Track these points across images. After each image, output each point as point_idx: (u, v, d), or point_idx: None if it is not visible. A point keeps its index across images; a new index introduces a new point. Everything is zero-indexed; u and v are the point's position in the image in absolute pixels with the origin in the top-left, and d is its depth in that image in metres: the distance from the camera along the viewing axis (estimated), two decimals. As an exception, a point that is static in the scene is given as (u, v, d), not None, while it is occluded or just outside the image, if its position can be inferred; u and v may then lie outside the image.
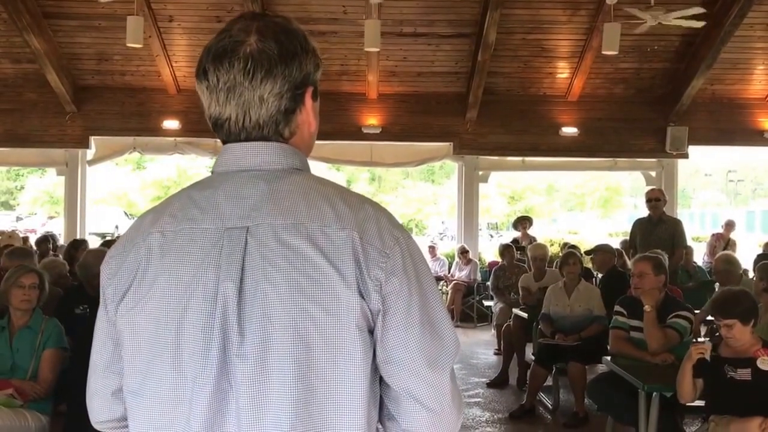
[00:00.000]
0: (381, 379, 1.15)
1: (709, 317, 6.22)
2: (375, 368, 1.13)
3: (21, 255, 5.93)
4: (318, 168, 11.22)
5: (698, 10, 8.28)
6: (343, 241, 1.10)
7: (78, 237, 10.10)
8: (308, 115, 1.22)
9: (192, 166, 27.07)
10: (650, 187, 9.30)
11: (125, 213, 27.48)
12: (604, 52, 9.27)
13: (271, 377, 1.06)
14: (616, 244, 9.46)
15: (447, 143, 11.09)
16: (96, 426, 1.29)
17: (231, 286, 1.08)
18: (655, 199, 7.55)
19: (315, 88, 1.24)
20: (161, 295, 1.12)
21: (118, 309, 1.16)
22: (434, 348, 1.14)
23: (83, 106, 10.82)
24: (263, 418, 1.06)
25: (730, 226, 11.23)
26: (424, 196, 31.71)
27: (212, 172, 1.22)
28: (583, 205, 33.83)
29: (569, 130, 11.01)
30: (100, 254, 5.27)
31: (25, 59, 10.27)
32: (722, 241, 10.73)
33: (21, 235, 9.83)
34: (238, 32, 1.17)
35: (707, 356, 3.65)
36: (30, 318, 4.10)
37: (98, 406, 1.26)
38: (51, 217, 26.60)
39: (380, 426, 1.20)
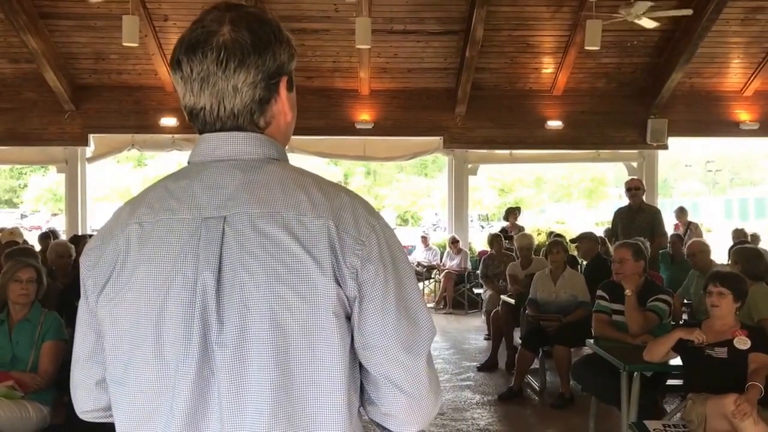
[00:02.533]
0: (360, 364, 1.16)
1: (687, 300, 6.59)
2: (354, 354, 1.14)
3: (21, 255, 6.03)
4: (316, 163, 11.48)
5: (686, 10, 8.55)
6: (319, 229, 1.10)
7: (79, 233, 10.33)
8: (283, 105, 1.22)
9: (192, 162, 27.21)
10: (629, 177, 9.63)
11: (127, 209, 27.60)
12: (586, 48, 9.51)
13: (250, 364, 1.07)
14: (600, 232, 9.74)
15: (437, 137, 11.36)
16: (81, 416, 1.30)
17: (209, 276, 1.09)
18: (634, 188, 7.82)
19: (290, 78, 1.23)
20: (141, 284, 1.12)
21: (98, 299, 1.16)
22: (410, 333, 1.14)
23: (81, 105, 10.99)
24: (244, 405, 1.07)
25: (682, 212, 11.42)
26: (418, 189, 32.16)
27: (189, 163, 1.22)
28: (570, 196, 34.23)
29: (554, 124, 11.31)
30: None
31: (23, 59, 10.40)
32: (683, 228, 10.98)
33: (26, 232, 9.87)
34: (210, 22, 1.17)
35: (696, 342, 3.77)
36: (29, 311, 4.11)
37: (82, 396, 1.26)
38: (54, 215, 26.66)
39: (362, 410, 1.21)
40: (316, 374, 1.09)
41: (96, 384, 1.24)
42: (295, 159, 13.68)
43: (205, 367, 1.08)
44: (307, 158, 11.93)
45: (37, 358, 4.01)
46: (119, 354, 1.14)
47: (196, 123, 1.21)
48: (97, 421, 1.30)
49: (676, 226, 11.13)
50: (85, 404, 1.27)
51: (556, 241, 6.99)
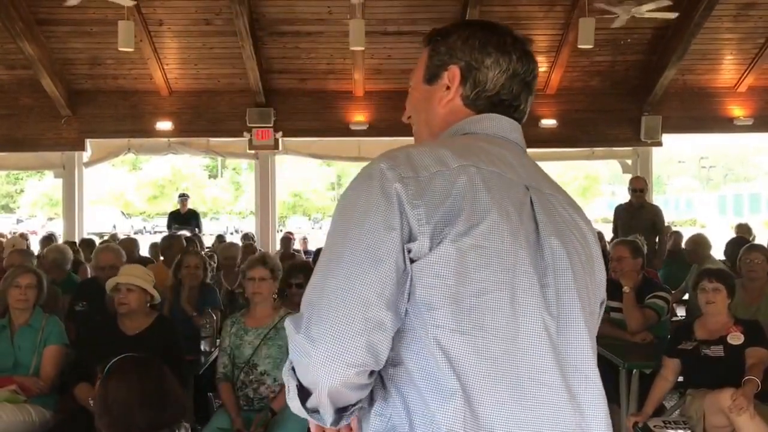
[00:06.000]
0: None
1: (685, 297, 6.64)
2: None
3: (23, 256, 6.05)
4: (310, 164, 11.53)
5: (667, 2, 8.66)
6: (585, 218, 1.31)
7: (76, 237, 10.36)
8: None
9: (186, 165, 27.30)
10: (634, 176, 9.63)
11: (122, 213, 27.61)
12: (580, 46, 9.59)
13: (573, 321, 1.18)
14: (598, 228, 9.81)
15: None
16: (340, 375, 1.08)
17: (556, 242, 1.19)
18: (639, 190, 7.90)
19: None
20: (498, 229, 1.12)
21: (435, 233, 1.10)
22: None
23: (78, 110, 11.03)
24: (582, 341, 1.18)
25: None
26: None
27: (476, 133, 1.30)
28: (565, 194, 34.43)
29: (548, 122, 11.36)
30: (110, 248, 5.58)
31: (19, 65, 10.44)
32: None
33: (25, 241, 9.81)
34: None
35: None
36: (30, 316, 4.14)
37: (355, 344, 1.06)
38: (50, 219, 26.72)
39: None
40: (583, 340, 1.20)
41: (376, 328, 1.08)
42: (289, 160, 13.76)
43: (546, 313, 1.15)
44: (301, 159, 11.97)
45: (39, 363, 4.05)
46: (464, 298, 1.09)
47: (499, 108, 1.33)
48: (354, 381, 1.10)
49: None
50: (356, 356, 1.07)
51: None
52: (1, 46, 10.22)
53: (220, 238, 10.84)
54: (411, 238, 1.10)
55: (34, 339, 4.10)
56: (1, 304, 4.32)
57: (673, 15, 9.10)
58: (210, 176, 34.58)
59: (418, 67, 1.42)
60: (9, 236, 11.01)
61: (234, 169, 33.99)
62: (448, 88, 1.34)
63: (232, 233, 23.70)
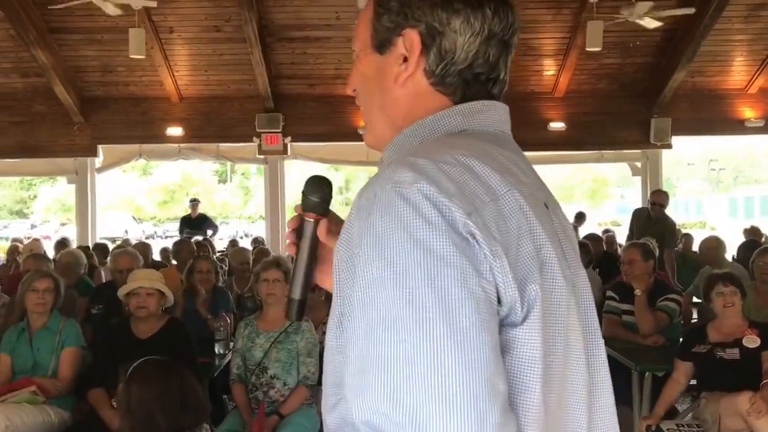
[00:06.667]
0: None
1: (696, 299, 6.62)
2: None
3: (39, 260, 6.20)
4: (318, 168, 11.59)
5: (688, 9, 8.63)
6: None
7: (89, 241, 10.45)
8: None
9: (196, 170, 27.47)
10: (656, 190, 9.47)
11: (133, 217, 27.78)
12: (588, 49, 9.56)
13: (598, 347, 1.05)
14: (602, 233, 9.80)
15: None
16: None
17: (582, 272, 1.02)
18: (659, 204, 7.96)
19: None
20: (558, 277, 0.92)
21: (523, 293, 0.86)
22: None
23: (90, 116, 11.12)
24: (607, 382, 1.05)
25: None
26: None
27: (468, 130, 1.00)
28: (572, 197, 34.34)
29: (557, 125, 11.35)
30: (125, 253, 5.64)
31: (33, 73, 10.54)
32: None
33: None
34: None
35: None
36: (48, 319, 4.24)
37: (496, 409, 0.78)
38: (63, 224, 26.89)
39: None
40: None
41: (502, 383, 0.81)
42: (298, 165, 13.77)
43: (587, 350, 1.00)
44: (310, 164, 12.03)
45: (57, 365, 4.16)
46: (552, 373, 0.90)
47: (474, 86, 1.02)
48: None
49: None
50: (505, 418, 0.79)
51: (582, 242, 6.93)
52: (15, 54, 10.34)
53: (233, 243, 10.89)
54: (499, 301, 0.84)
55: (52, 341, 4.20)
56: (19, 308, 4.42)
57: (691, 10, 9.03)
58: (219, 181, 34.75)
59: (360, 26, 1.07)
60: (26, 241, 11.09)
61: (243, 173, 34.12)
62: (405, 60, 1.01)
63: (241, 237, 23.77)
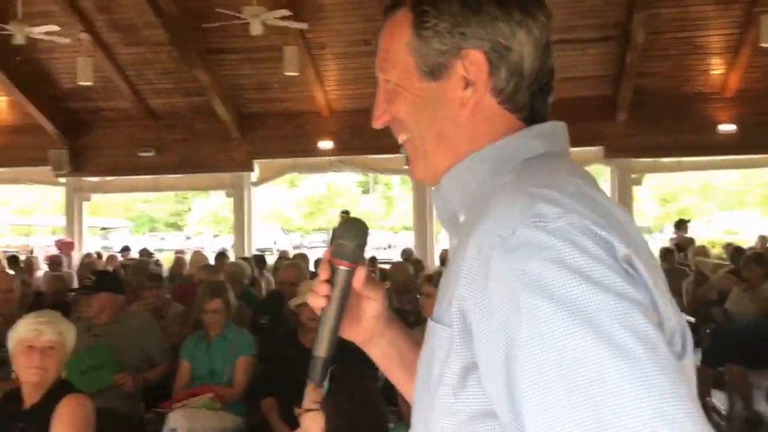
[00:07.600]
0: None
1: None
2: None
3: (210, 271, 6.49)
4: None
5: None
6: None
7: (246, 253, 10.88)
8: None
9: (342, 182, 28.29)
10: None
11: (282, 229, 29.03)
12: (761, 45, 8.93)
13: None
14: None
15: (595, 147, 10.96)
16: None
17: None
18: None
19: None
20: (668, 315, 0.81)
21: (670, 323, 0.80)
22: None
23: (247, 133, 11.65)
24: None
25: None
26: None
27: (549, 153, 0.92)
28: (743, 204, 31.93)
29: (726, 128, 10.57)
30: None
31: (194, 93, 11.17)
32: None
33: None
34: None
35: None
36: (224, 328, 4.45)
37: None
38: (215, 236, 28.54)
39: None
40: None
41: None
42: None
43: None
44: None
45: (232, 372, 4.35)
46: None
47: (539, 99, 0.95)
48: None
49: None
50: None
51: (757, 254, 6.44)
52: (178, 75, 10.98)
53: (408, 252, 10.88)
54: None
55: (228, 350, 4.42)
56: (194, 318, 4.65)
57: None
58: (363, 192, 35.52)
59: (391, 52, 0.97)
60: (187, 252, 11.71)
61: (385, 184, 34.67)
62: (467, 85, 0.92)
63: (385, 248, 24.07)
